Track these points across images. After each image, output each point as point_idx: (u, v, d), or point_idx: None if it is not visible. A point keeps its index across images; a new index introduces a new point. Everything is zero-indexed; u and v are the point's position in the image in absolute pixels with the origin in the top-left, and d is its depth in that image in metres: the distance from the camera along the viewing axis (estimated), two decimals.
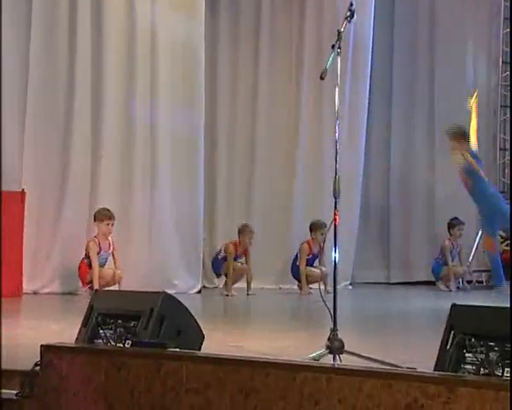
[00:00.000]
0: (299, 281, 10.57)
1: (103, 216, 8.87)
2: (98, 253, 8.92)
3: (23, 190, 8.78)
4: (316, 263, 10.60)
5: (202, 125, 10.26)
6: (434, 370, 3.20)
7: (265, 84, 11.59)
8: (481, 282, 12.07)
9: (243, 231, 10.13)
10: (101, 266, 8.98)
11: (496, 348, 3.07)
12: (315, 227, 10.51)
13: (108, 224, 8.86)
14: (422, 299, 9.76)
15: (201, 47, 10.23)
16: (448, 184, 12.08)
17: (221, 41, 11.44)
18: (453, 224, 11.45)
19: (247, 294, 9.90)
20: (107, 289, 8.19)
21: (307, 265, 10.58)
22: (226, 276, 10.04)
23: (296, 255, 10.73)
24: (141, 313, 3.91)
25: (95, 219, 8.97)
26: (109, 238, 9.04)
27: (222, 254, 10.17)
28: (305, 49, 11.60)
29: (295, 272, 10.69)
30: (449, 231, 11.70)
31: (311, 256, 10.64)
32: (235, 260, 10.07)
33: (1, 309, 4.34)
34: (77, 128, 9.35)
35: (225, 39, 11.49)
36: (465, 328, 3.20)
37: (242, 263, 10.18)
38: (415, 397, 2.86)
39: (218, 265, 10.19)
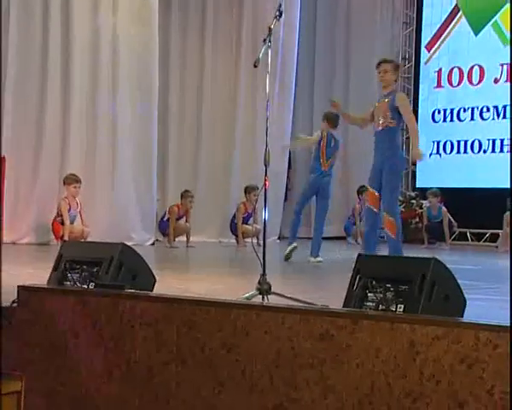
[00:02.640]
0: (237, 236, 10.60)
1: (71, 180, 8.76)
2: (68, 211, 8.78)
3: (3, 156, 8.66)
4: (250, 221, 10.64)
5: (156, 107, 10.18)
6: (343, 307, 3.24)
7: (209, 71, 11.54)
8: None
9: (185, 196, 10.17)
10: (71, 223, 8.85)
11: (391, 289, 3.12)
12: (249, 190, 10.55)
13: (75, 187, 8.74)
14: (336, 251, 9.87)
15: (155, 40, 10.11)
16: (358, 153, 12.19)
17: (172, 34, 11.31)
18: (361, 190, 11.60)
19: (187, 246, 9.90)
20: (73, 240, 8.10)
21: (243, 222, 10.61)
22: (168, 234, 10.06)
23: (234, 214, 10.75)
24: (103, 260, 3.88)
25: (64, 183, 8.84)
26: (77, 199, 8.90)
27: (167, 216, 10.16)
28: (242, 42, 11.57)
29: (233, 228, 10.72)
30: (358, 196, 11.88)
31: (246, 215, 10.67)
32: (177, 220, 10.07)
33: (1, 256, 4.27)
34: (49, 101, 9.17)
35: (176, 32, 11.36)
36: (368, 273, 3.24)
37: (184, 222, 10.18)
38: (327, 329, 2.89)
39: (164, 226, 10.18)
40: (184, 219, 10.24)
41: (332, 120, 8.01)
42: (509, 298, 3.92)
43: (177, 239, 10.15)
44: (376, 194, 6.58)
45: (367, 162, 11.95)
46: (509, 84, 11.81)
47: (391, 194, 6.56)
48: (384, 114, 6.70)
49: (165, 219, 10.20)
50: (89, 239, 8.55)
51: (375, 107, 6.91)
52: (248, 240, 10.26)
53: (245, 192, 10.64)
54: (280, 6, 4.71)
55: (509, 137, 11.69)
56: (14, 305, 3.70)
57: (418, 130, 7.42)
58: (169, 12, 11.22)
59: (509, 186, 10.30)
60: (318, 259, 7.80)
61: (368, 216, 6.78)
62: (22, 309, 3.68)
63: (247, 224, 10.62)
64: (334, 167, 8.18)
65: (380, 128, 6.71)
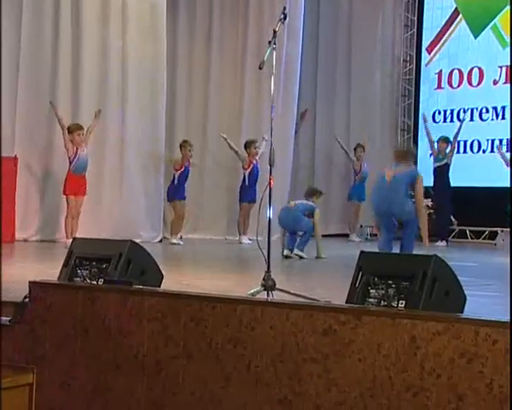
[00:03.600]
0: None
1: (74, 128, 8.71)
2: (75, 157, 8.69)
3: (15, 156, 8.75)
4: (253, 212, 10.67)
5: (164, 107, 10.21)
6: (346, 303, 3.24)
7: (216, 72, 11.53)
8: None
9: (184, 145, 10.06)
10: (81, 172, 8.74)
11: (393, 286, 3.12)
12: (248, 144, 10.74)
13: (79, 134, 8.72)
14: (338, 248, 9.86)
15: (163, 45, 10.14)
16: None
17: (179, 37, 11.32)
18: (357, 147, 11.87)
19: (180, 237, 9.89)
20: (83, 237, 8.04)
21: (246, 200, 10.65)
22: (172, 224, 10.02)
23: (243, 177, 10.81)
24: (111, 256, 3.89)
25: (68, 132, 8.74)
26: (83, 145, 8.79)
27: (176, 180, 10.03)
28: (247, 45, 11.56)
29: (242, 191, 10.80)
30: (355, 154, 12.03)
31: (251, 169, 10.67)
32: (180, 171, 9.92)
33: (1, 254, 4.28)
34: (59, 106, 9.18)
35: (182, 35, 11.37)
36: (370, 270, 3.25)
37: (182, 203, 10.05)
38: (330, 324, 2.90)
39: (173, 190, 10.01)
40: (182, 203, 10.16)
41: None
42: (508, 294, 3.91)
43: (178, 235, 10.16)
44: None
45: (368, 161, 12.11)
46: (508, 85, 11.78)
47: None
48: None
49: (175, 182, 10.10)
50: (98, 237, 8.52)
51: None
52: (253, 237, 10.27)
53: (245, 147, 10.68)
54: (284, 9, 4.72)
55: (508, 137, 11.67)
56: (26, 300, 3.72)
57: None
58: (176, 15, 11.22)
59: (508, 185, 10.27)
60: (301, 254, 7.88)
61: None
62: (34, 304, 3.69)
63: (249, 203, 10.57)
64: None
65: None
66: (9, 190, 8.33)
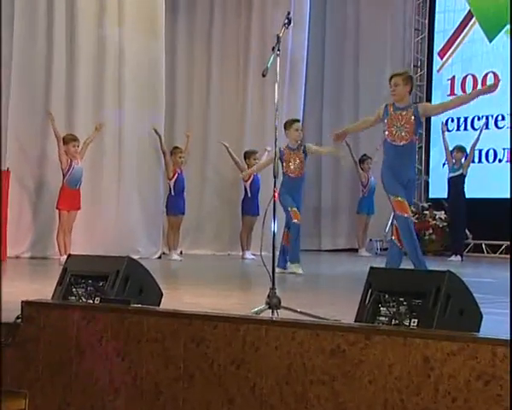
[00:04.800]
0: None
1: (69, 139, 8.79)
2: (69, 170, 8.73)
3: (8, 169, 8.77)
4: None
5: (162, 118, 10.27)
6: (355, 321, 3.23)
7: (217, 81, 11.58)
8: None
9: (174, 152, 10.12)
10: (75, 185, 8.78)
11: (405, 303, 3.11)
12: (248, 155, 10.77)
13: (74, 145, 8.79)
14: (347, 263, 9.86)
15: (162, 50, 10.18)
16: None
17: (179, 43, 11.36)
18: (363, 159, 12.09)
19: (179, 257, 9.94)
20: (78, 254, 8.06)
21: (248, 213, 10.74)
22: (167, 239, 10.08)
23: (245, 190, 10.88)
24: (108, 274, 3.89)
25: (64, 143, 8.81)
26: (77, 157, 8.85)
27: (172, 190, 10.05)
28: (250, 51, 11.61)
29: (244, 204, 10.88)
30: (361, 166, 12.14)
31: (251, 183, 10.76)
32: (174, 179, 9.99)
33: (1, 272, 4.28)
34: (53, 113, 9.21)
35: (183, 41, 11.42)
36: (380, 286, 3.24)
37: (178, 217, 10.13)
38: (338, 344, 2.89)
39: (172, 200, 10.10)
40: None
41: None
42: None
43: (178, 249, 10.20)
44: (406, 202, 6.55)
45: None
46: None
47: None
48: (407, 127, 6.67)
49: (172, 193, 10.14)
50: (94, 253, 8.53)
51: (385, 115, 6.81)
52: (256, 253, 10.26)
53: (244, 158, 10.72)
54: (288, 14, 4.74)
55: None
56: (18, 321, 3.72)
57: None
58: (175, 20, 11.27)
59: None
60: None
61: (402, 225, 6.68)
62: (26, 325, 3.69)
63: (252, 216, 10.62)
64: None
65: (402, 142, 6.66)
66: (1, 205, 8.33)
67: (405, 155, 6.68)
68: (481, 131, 11.71)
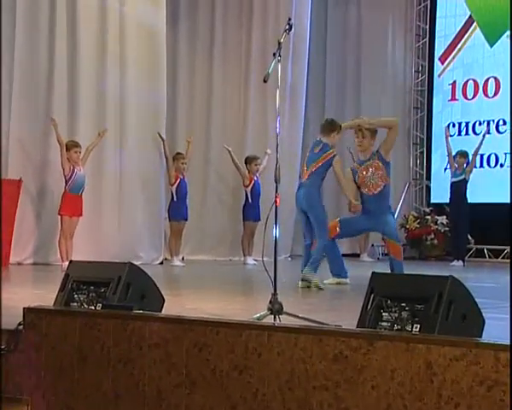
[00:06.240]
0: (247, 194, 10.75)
1: (71, 146, 8.80)
2: (71, 176, 8.74)
3: (20, 178, 8.83)
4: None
5: (164, 123, 10.27)
6: (357, 327, 3.22)
7: (218, 87, 11.59)
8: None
9: (177, 158, 10.13)
10: (78, 191, 8.79)
11: (407, 308, 3.11)
12: (249, 160, 10.77)
13: (76, 151, 8.81)
14: (348, 268, 9.82)
15: (163, 54, 10.19)
16: None
17: (180, 49, 11.38)
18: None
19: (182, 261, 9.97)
20: (80, 260, 8.06)
21: (249, 219, 10.76)
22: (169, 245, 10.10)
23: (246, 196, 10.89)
24: (110, 280, 3.88)
25: (66, 150, 8.83)
26: (79, 163, 8.87)
27: (174, 196, 10.05)
28: (251, 56, 11.62)
29: (244, 210, 10.89)
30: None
31: (251, 187, 10.82)
32: (176, 184, 9.99)
33: (1, 279, 4.28)
34: (56, 117, 9.22)
35: (184, 47, 11.43)
36: (382, 292, 3.23)
37: (181, 223, 10.12)
38: (340, 349, 2.89)
39: (174, 206, 10.06)
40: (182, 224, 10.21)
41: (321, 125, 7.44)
42: None
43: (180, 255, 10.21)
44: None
45: None
46: None
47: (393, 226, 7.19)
48: (379, 173, 6.93)
49: (174, 199, 10.12)
50: (95, 259, 8.54)
51: (356, 178, 7.04)
52: (258, 258, 10.27)
53: (245, 163, 10.72)
54: (289, 20, 4.74)
55: None
56: (20, 327, 3.71)
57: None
58: (177, 27, 11.28)
59: None
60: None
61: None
62: (28, 331, 3.69)
63: (253, 221, 10.62)
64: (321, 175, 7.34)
65: (378, 190, 6.94)
66: (11, 213, 8.42)
67: (379, 201, 7.03)
68: (484, 136, 11.70)
